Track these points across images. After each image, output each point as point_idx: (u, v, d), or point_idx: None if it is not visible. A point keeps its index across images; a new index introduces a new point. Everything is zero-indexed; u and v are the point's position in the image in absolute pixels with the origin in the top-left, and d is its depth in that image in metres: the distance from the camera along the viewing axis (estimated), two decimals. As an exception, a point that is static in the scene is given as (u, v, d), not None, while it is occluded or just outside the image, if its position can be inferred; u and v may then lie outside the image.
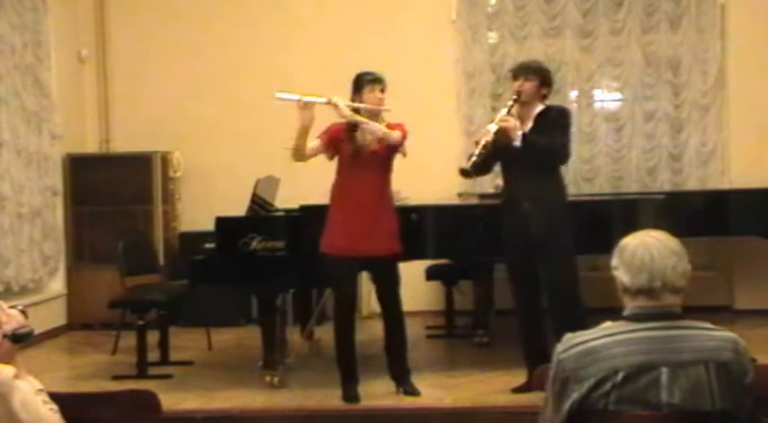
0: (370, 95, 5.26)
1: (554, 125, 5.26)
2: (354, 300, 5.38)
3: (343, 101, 5.21)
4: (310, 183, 6.78)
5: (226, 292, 7.21)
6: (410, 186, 6.39)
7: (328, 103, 5.18)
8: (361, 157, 5.24)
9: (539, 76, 5.30)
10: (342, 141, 5.28)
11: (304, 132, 5.20)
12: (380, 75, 5.32)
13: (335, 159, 5.39)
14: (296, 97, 5.15)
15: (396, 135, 5.22)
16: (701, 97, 8.02)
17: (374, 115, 5.29)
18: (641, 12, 8.03)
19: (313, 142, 5.29)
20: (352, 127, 5.25)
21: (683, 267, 2.55)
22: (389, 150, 5.29)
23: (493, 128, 5.14)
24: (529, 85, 5.26)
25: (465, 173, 5.26)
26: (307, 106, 5.14)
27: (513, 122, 5.15)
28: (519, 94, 5.26)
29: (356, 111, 5.25)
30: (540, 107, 5.32)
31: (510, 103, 5.25)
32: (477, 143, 5.19)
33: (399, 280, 5.42)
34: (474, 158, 5.12)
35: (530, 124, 5.26)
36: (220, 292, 7.05)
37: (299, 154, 5.27)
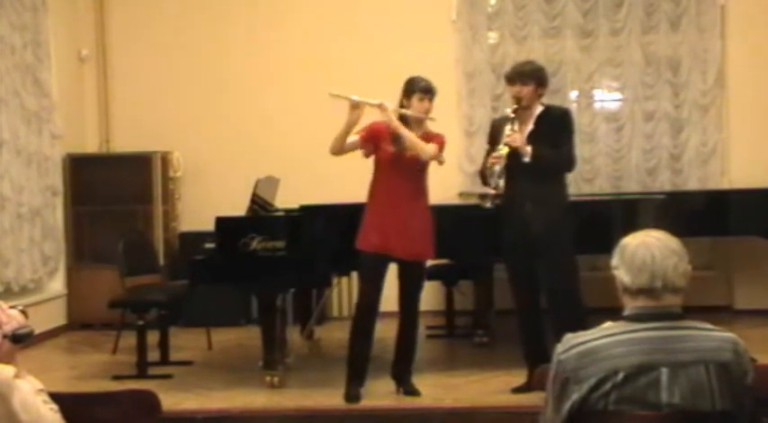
0: (419, 104, 5.31)
1: (558, 131, 5.26)
2: (378, 298, 5.37)
3: (393, 106, 5.25)
4: (310, 183, 6.80)
5: (226, 292, 7.21)
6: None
7: (379, 106, 5.23)
8: (401, 159, 5.27)
9: (534, 78, 5.29)
10: (382, 141, 5.31)
11: (348, 129, 5.25)
12: (432, 84, 5.36)
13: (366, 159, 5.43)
14: (349, 97, 5.19)
15: (428, 153, 5.27)
16: (701, 97, 8.02)
17: (418, 122, 5.34)
18: (641, 12, 8.03)
19: (352, 137, 5.31)
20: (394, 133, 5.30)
21: (683, 267, 2.54)
22: None
23: (504, 150, 5.13)
24: (527, 90, 5.25)
25: (489, 209, 5.25)
26: (358, 106, 5.19)
27: (519, 140, 5.14)
28: (519, 100, 5.25)
29: (402, 117, 5.30)
30: (539, 108, 5.32)
31: (512, 115, 5.22)
32: (492, 166, 5.15)
33: (423, 283, 5.48)
34: (493, 192, 5.14)
35: (530, 126, 5.26)
36: (220, 292, 7.05)
37: (338, 148, 5.30)
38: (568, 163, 5.34)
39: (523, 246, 5.23)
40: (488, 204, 5.20)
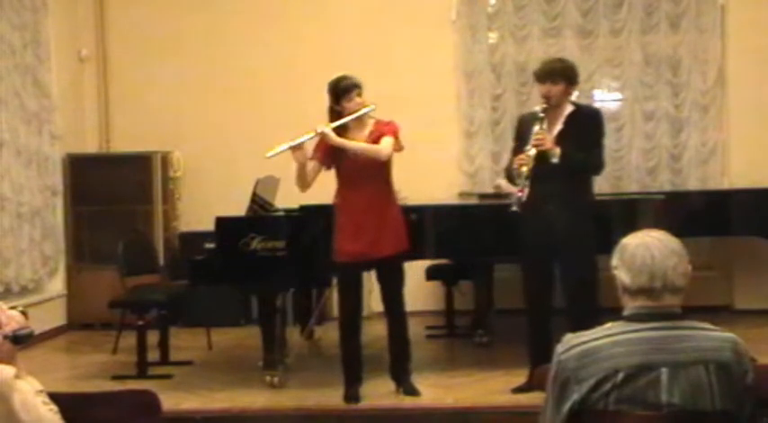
0: (350, 104, 5.24)
1: (589, 132, 5.19)
2: (360, 305, 5.40)
3: (328, 127, 5.18)
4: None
5: (226, 292, 7.21)
6: (410, 186, 6.38)
7: (319, 135, 5.18)
8: (359, 162, 5.25)
9: (565, 77, 5.18)
10: (338, 151, 5.27)
11: (302, 169, 5.25)
12: (354, 78, 5.29)
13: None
14: (285, 147, 5.15)
15: (384, 153, 5.22)
16: (701, 97, 8.02)
17: (360, 119, 5.29)
18: (641, 12, 8.03)
19: (311, 163, 5.29)
20: (342, 131, 5.24)
21: (683, 268, 2.54)
22: None
23: (532, 152, 5.02)
24: (556, 90, 5.15)
25: (515, 212, 5.05)
26: (298, 148, 5.17)
27: (549, 141, 5.06)
28: (548, 99, 5.15)
29: (343, 126, 5.24)
30: (569, 108, 5.23)
31: (541, 115, 5.10)
32: (519, 167, 5.04)
33: (404, 279, 5.45)
34: (519, 194, 4.96)
35: (559, 126, 5.18)
36: (220, 292, 7.05)
37: (304, 184, 5.30)
38: (597, 166, 5.27)
39: (544, 246, 5.14)
40: (514, 207, 4.98)
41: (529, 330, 5.34)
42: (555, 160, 5.04)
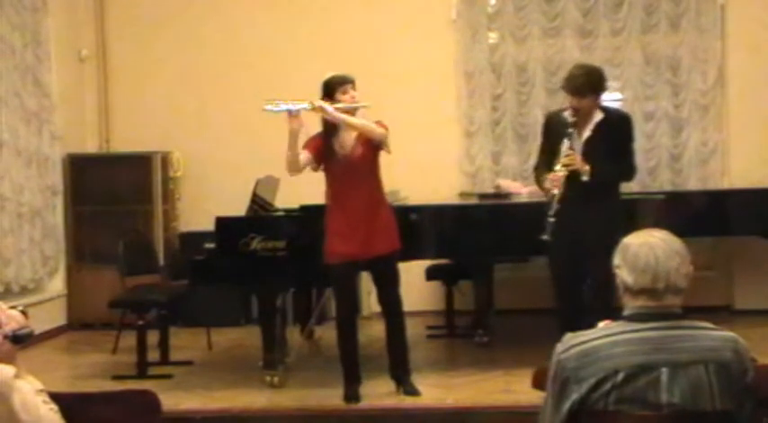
0: (344, 96, 5.24)
1: (618, 139, 5.19)
2: (357, 305, 5.41)
3: (330, 105, 5.16)
4: (310, 183, 6.78)
5: (226, 292, 7.21)
6: (410, 186, 6.40)
7: (313, 108, 5.15)
8: (350, 163, 5.25)
9: (591, 91, 5.15)
10: (329, 151, 5.27)
11: (294, 140, 5.17)
12: (348, 74, 5.30)
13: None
14: (283, 107, 5.12)
15: (379, 132, 5.21)
16: (701, 97, 8.01)
17: (351, 114, 5.27)
18: (641, 12, 8.03)
19: (302, 154, 5.26)
20: (332, 131, 5.22)
21: (686, 268, 2.54)
22: (375, 151, 5.30)
23: (561, 173, 5.05)
24: (585, 102, 5.14)
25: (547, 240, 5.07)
26: (294, 114, 5.13)
27: (578, 161, 5.07)
28: (577, 112, 5.15)
29: (333, 124, 5.24)
30: (598, 115, 5.21)
31: (570, 130, 5.12)
32: (549, 190, 5.06)
33: (399, 278, 5.44)
34: (551, 219, 4.99)
35: (588, 133, 5.19)
36: (220, 292, 7.05)
37: (295, 165, 5.22)
38: (628, 174, 5.31)
39: (574, 247, 5.13)
40: (545, 236, 5.01)
41: (559, 325, 5.24)
42: (585, 178, 5.07)
